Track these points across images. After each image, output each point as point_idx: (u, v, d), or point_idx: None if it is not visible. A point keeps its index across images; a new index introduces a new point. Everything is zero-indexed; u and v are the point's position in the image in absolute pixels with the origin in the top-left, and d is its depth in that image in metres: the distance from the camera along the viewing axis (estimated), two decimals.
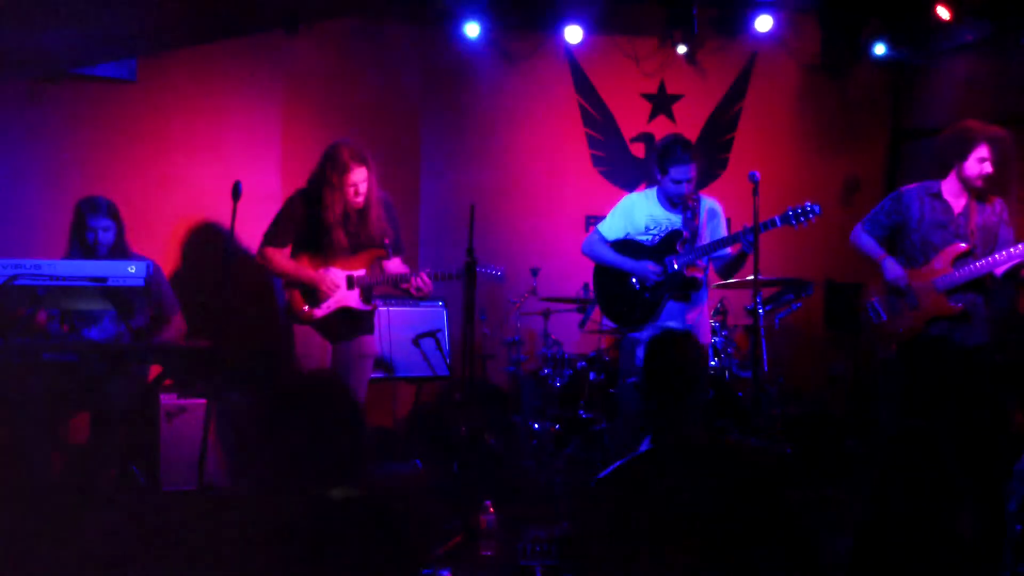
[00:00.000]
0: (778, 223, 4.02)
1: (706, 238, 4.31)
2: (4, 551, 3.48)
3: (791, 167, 6.62)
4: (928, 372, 4.17)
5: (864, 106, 6.74)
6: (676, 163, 4.17)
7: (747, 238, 4.03)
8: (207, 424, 3.57)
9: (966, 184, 4.14)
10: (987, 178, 4.08)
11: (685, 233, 4.26)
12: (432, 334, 5.33)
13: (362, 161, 4.29)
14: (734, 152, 6.73)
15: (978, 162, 4.07)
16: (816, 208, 4.01)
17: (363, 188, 4.32)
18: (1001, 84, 5.82)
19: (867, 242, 4.38)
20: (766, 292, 5.31)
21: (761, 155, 6.50)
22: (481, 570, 3.92)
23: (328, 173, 4.27)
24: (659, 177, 4.29)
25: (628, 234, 4.39)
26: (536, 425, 5.54)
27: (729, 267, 4.35)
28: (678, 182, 4.20)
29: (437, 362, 5.38)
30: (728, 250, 4.27)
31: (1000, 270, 4.06)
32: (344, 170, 4.25)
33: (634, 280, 4.34)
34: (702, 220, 4.31)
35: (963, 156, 4.10)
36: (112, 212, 4.42)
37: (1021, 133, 4.96)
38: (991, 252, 4.10)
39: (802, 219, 4.03)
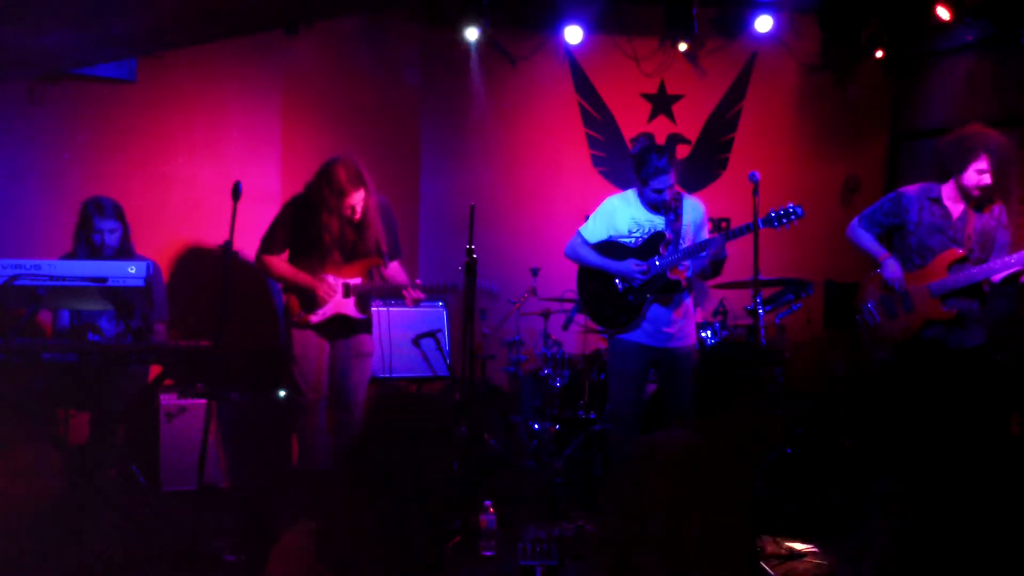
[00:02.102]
0: (760, 225, 3.93)
1: (689, 240, 4.27)
2: (4, 551, 3.48)
3: (791, 167, 6.63)
4: (924, 375, 4.15)
5: (864, 106, 6.74)
6: (654, 176, 4.14)
7: (720, 241, 4.04)
8: (207, 424, 3.56)
9: (963, 193, 4.12)
10: (984, 189, 4.05)
11: (668, 235, 4.23)
12: (432, 334, 5.32)
13: (359, 183, 4.29)
14: (734, 152, 6.73)
15: (976, 174, 4.03)
16: (798, 210, 3.96)
17: (360, 208, 4.34)
18: (1001, 84, 5.81)
19: (868, 239, 4.33)
20: (766, 292, 5.30)
21: (761, 155, 6.51)
22: (481, 570, 3.92)
23: (325, 194, 4.27)
24: (639, 186, 4.28)
25: (611, 236, 4.36)
26: (536, 425, 5.54)
27: (705, 272, 4.29)
28: (659, 191, 4.18)
29: (437, 362, 5.38)
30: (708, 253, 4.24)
31: (997, 277, 4.04)
32: (340, 195, 4.26)
33: (618, 282, 4.31)
34: (685, 222, 4.27)
35: (962, 168, 4.05)
36: (118, 213, 4.43)
37: (1021, 134, 4.96)
38: (988, 256, 4.09)
39: (784, 221, 3.98)
